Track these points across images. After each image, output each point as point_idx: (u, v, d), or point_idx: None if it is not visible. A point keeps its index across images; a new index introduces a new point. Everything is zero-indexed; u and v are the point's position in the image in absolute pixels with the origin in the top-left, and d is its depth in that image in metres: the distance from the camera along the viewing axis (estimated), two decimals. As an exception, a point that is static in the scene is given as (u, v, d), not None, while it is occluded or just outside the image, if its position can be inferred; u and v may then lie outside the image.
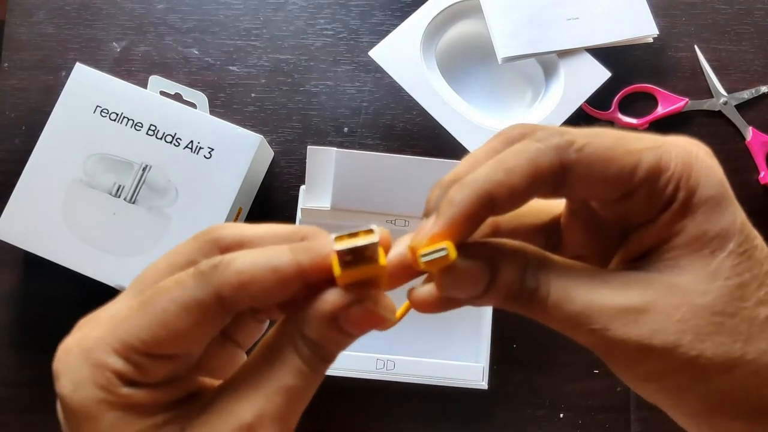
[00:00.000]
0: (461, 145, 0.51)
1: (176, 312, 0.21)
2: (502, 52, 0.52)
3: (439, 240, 0.22)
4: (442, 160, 0.46)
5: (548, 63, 0.54)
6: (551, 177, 0.22)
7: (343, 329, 0.23)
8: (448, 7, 0.53)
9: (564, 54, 0.53)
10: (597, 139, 0.22)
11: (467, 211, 0.22)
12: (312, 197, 0.48)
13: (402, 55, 0.52)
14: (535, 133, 0.22)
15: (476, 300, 0.23)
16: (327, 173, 0.47)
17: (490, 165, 0.22)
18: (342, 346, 0.24)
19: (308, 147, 0.47)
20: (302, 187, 0.50)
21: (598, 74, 0.52)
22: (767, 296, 0.22)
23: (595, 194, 0.23)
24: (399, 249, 0.24)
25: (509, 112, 0.55)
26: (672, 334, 0.21)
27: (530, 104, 0.55)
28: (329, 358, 0.24)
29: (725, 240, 0.22)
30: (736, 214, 0.22)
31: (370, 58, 0.52)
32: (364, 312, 0.22)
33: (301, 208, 0.49)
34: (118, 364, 0.22)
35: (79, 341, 0.23)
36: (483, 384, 0.47)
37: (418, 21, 0.53)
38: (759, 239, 0.22)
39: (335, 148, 0.46)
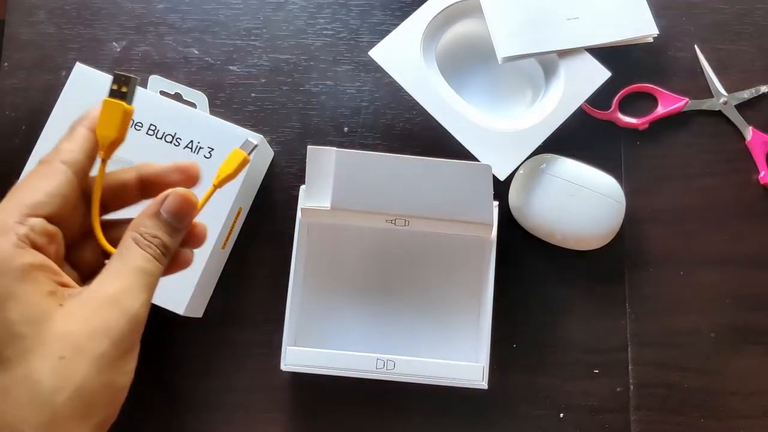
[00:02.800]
0: (461, 145, 0.51)
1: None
2: (502, 51, 0.52)
3: None
4: (442, 160, 0.46)
5: (548, 63, 0.54)
6: None
7: (164, 219, 0.33)
8: (448, 6, 0.53)
9: (564, 54, 0.53)
10: None
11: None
12: (312, 197, 0.48)
13: (402, 55, 0.52)
14: None
15: None
16: (327, 173, 0.47)
17: None
18: (169, 235, 0.33)
19: (308, 147, 0.46)
20: (302, 187, 0.50)
21: (598, 74, 0.52)
22: None
23: None
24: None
25: (509, 111, 0.55)
26: None
27: (530, 104, 0.55)
28: (164, 248, 0.33)
29: None
30: None
31: (370, 58, 0.52)
32: (173, 199, 0.33)
33: (301, 208, 0.49)
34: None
35: None
36: (483, 384, 0.47)
37: (418, 21, 0.53)
38: None
39: (335, 148, 0.46)
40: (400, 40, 0.52)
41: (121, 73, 0.35)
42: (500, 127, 0.51)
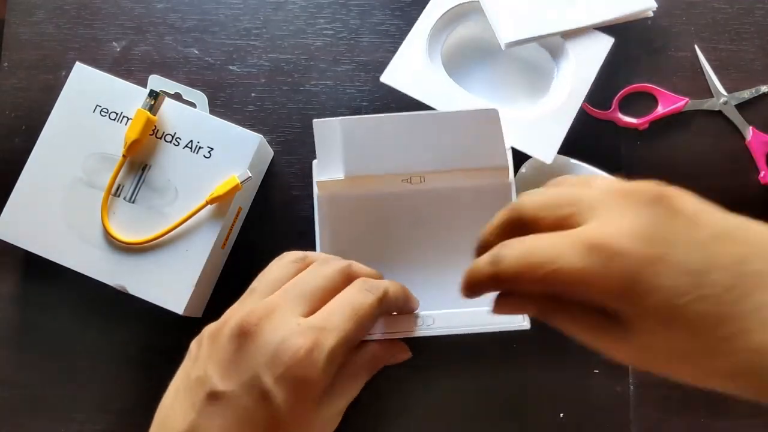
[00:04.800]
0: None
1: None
2: (503, 38, 0.52)
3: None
4: (448, 111, 0.46)
5: (553, 46, 0.53)
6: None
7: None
8: (446, 12, 0.53)
9: (567, 34, 0.53)
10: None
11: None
12: (325, 170, 0.48)
13: (412, 73, 0.52)
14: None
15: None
16: (336, 144, 0.47)
17: None
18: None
19: (314, 121, 0.46)
20: (314, 162, 0.49)
21: (602, 43, 0.52)
22: None
23: None
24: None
25: (524, 104, 0.55)
26: None
27: (543, 93, 0.54)
28: None
29: None
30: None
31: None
32: None
33: (317, 182, 0.49)
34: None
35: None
36: (526, 324, 0.47)
37: (419, 34, 0.52)
38: None
39: (339, 118, 0.46)
40: (406, 58, 0.52)
41: (157, 90, 0.49)
42: (528, 116, 0.51)
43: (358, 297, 0.38)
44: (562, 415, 0.52)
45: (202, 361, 0.37)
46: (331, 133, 0.47)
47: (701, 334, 0.27)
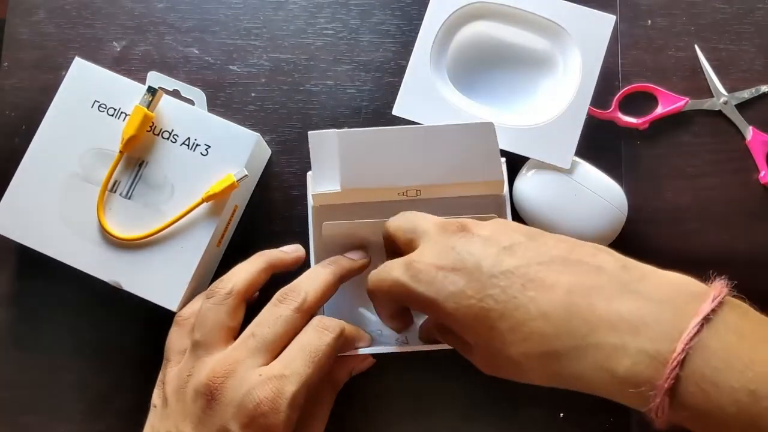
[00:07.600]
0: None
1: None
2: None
3: None
4: (444, 124, 0.46)
5: (555, 35, 0.53)
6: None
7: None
8: (441, 26, 0.52)
9: (561, 17, 0.52)
10: None
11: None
12: (321, 182, 0.48)
13: (423, 101, 0.51)
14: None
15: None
16: (332, 156, 0.47)
17: None
18: None
19: (309, 133, 0.46)
20: (309, 173, 0.49)
21: (604, 23, 0.52)
22: None
23: None
24: None
25: (535, 100, 0.55)
26: None
27: (552, 85, 0.54)
28: None
29: None
30: None
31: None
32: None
33: (312, 194, 0.49)
34: None
35: None
36: None
37: (421, 58, 0.52)
38: None
39: (336, 130, 0.46)
40: (414, 86, 0.52)
41: (155, 87, 0.48)
42: (541, 119, 0.51)
43: (314, 340, 0.41)
44: (562, 415, 0.51)
45: (173, 419, 0.40)
46: (327, 146, 0.47)
47: (493, 327, 0.34)
